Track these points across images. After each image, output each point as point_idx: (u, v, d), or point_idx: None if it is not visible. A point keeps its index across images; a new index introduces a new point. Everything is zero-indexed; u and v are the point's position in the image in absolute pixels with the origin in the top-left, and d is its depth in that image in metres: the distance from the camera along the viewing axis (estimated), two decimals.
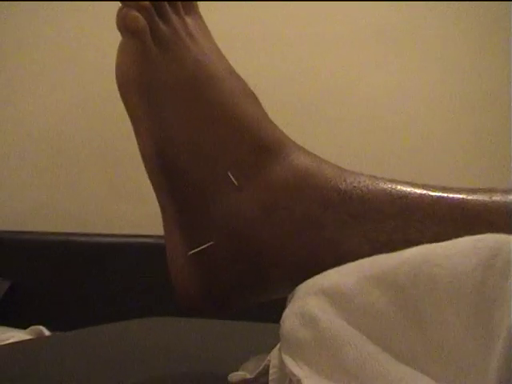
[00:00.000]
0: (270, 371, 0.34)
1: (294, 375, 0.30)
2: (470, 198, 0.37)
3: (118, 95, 0.41)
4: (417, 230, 0.36)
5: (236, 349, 0.46)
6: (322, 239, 0.37)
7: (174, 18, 0.40)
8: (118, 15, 0.39)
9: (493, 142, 1.30)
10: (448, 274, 0.29)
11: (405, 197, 0.37)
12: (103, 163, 1.41)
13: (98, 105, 1.39)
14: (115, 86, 0.41)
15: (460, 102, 1.34)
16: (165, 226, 0.41)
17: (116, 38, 0.41)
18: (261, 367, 0.35)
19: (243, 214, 0.39)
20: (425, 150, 1.34)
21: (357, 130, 1.35)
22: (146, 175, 0.42)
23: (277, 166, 0.39)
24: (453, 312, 0.28)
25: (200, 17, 0.43)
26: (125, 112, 0.42)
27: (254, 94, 0.42)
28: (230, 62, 0.43)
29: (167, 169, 0.40)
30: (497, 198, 0.36)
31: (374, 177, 0.39)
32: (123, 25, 0.39)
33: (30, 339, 0.75)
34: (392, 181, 0.38)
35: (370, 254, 0.33)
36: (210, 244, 0.39)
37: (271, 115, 0.42)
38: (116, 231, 1.35)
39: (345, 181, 0.38)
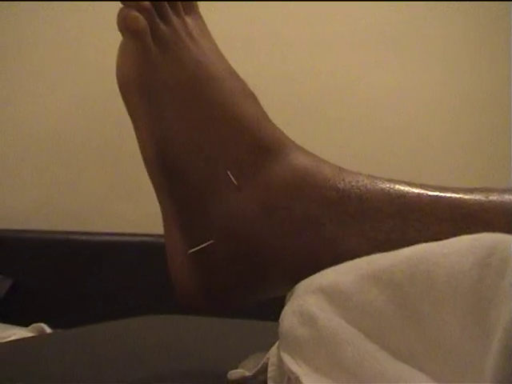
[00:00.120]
0: (269, 369, 0.34)
1: (293, 373, 0.31)
2: (467, 197, 0.37)
3: (119, 95, 0.42)
4: (415, 230, 0.37)
5: (235, 347, 0.46)
6: (321, 238, 0.38)
7: (174, 18, 0.41)
8: (118, 16, 0.40)
9: (492, 142, 1.30)
10: (445, 273, 0.29)
11: (403, 196, 0.37)
12: (104, 162, 1.41)
13: (99, 104, 1.39)
14: (116, 86, 0.41)
15: (460, 102, 1.34)
16: (165, 226, 0.42)
17: (116, 38, 0.41)
18: (259, 365, 0.35)
19: (243, 214, 0.39)
20: (424, 150, 1.34)
21: (356, 130, 1.35)
22: (146, 174, 0.42)
23: (276, 165, 0.40)
24: (450, 311, 0.28)
25: (200, 17, 0.43)
26: (125, 111, 0.42)
27: (253, 94, 0.42)
28: (230, 62, 0.43)
29: (167, 169, 0.40)
30: (493, 197, 0.36)
31: (373, 176, 0.39)
32: (124, 25, 0.39)
33: (32, 336, 0.75)
34: (390, 180, 0.39)
35: (368, 253, 0.34)
36: (209, 243, 0.39)
37: (271, 115, 0.42)
38: (116, 230, 1.35)
39: (343, 180, 0.39)
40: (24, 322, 1.08)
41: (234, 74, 0.42)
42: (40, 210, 1.42)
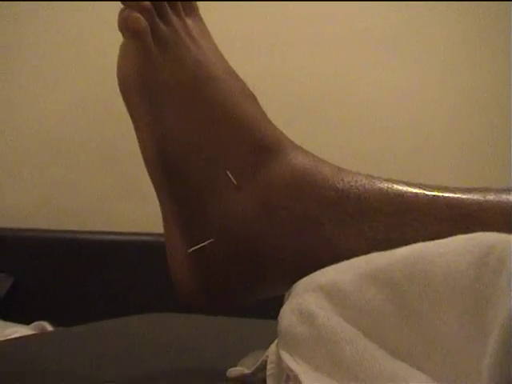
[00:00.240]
0: (268, 367, 0.34)
1: (292, 371, 0.31)
2: (465, 197, 0.37)
3: (119, 95, 0.42)
4: (413, 229, 0.37)
5: (234, 345, 0.46)
6: (320, 238, 0.38)
7: (174, 19, 0.41)
8: (119, 16, 0.40)
9: (492, 142, 1.31)
10: (442, 272, 0.29)
11: (401, 196, 0.38)
12: (104, 162, 1.41)
13: (99, 104, 1.39)
14: (116, 86, 0.41)
15: (459, 102, 1.34)
16: (165, 225, 0.42)
17: (116, 38, 0.41)
18: (258, 363, 0.36)
19: (242, 214, 0.39)
20: (424, 150, 1.34)
21: (356, 130, 1.35)
22: (146, 174, 0.42)
23: (276, 165, 0.40)
24: (447, 309, 0.29)
25: (200, 18, 0.43)
26: (126, 111, 0.42)
27: (253, 94, 0.42)
28: (230, 63, 0.43)
29: (167, 169, 0.40)
30: (491, 197, 0.37)
31: (371, 176, 0.39)
32: (125, 26, 0.40)
33: (34, 334, 0.75)
34: (388, 180, 0.39)
35: (367, 253, 0.34)
36: (209, 241, 0.39)
37: (271, 115, 0.42)
38: (117, 229, 1.36)
39: (342, 180, 0.39)
40: (25, 321, 1.08)
41: (233, 74, 0.42)
42: (41, 208, 1.42)
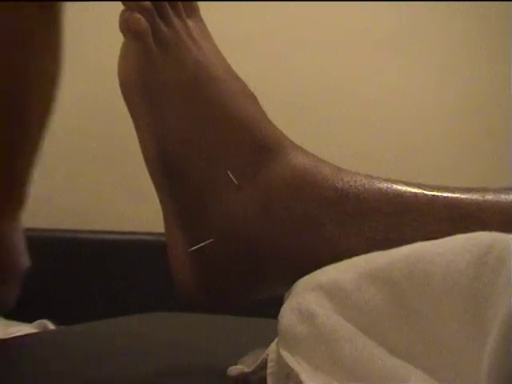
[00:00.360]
0: (268, 365, 0.34)
1: (292, 369, 0.31)
2: (464, 197, 0.37)
3: (120, 95, 0.42)
4: (412, 229, 0.37)
5: (235, 343, 0.46)
6: (320, 238, 0.38)
7: (175, 20, 0.41)
8: (120, 17, 0.40)
9: (492, 143, 1.31)
10: (441, 272, 0.29)
11: (400, 196, 0.38)
12: (105, 161, 1.41)
13: (100, 104, 1.39)
14: (117, 86, 0.42)
15: (459, 102, 1.34)
16: (166, 225, 0.42)
17: (117, 38, 0.42)
18: (259, 361, 0.36)
19: (243, 214, 0.39)
20: (423, 150, 1.34)
21: (356, 131, 1.35)
22: (147, 174, 0.42)
23: (276, 165, 0.40)
24: (446, 309, 0.29)
25: (201, 19, 0.43)
26: (127, 111, 0.42)
27: (253, 94, 0.43)
28: (230, 63, 0.43)
29: (168, 169, 0.41)
30: (489, 197, 0.37)
31: (370, 176, 0.39)
32: (126, 26, 0.40)
33: (36, 332, 0.75)
34: (388, 180, 0.39)
35: (367, 252, 0.34)
36: (209, 241, 0.40)
37: (271, 115, 0.43)
38: (117, 229, 1.36)
39: (342, 180, 0.39)
40: (26, 319, 1.08)
41: (233, 74, 0.42)
42: (42, 207, 1.42)
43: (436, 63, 1.35)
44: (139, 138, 0.42)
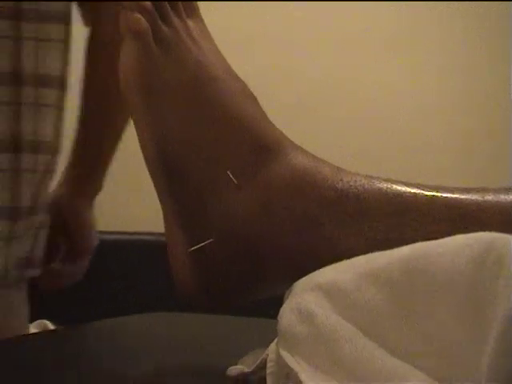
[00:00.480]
0: (268, 365, 0.34)
1: (291, 369, 0.31)
2: (463, 197, 0.37)
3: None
4: (412, 229, 0.37)
5: (235, 343, 0.46)
6: (320, 238, 0.38)
7: (175, 20, 0.41)
8: (120, 17, 0.40)
9: (491, 142, 1.31)
10: (440, 272, 0.29)
11: (400, 196, 0.38)
12: None
13: None
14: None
15: (459, 102, 1.35)
16: (166, 225, 0.42)
17: None
18: (258, 361, 0.36)
19: (243, 214, 0.39)
20: (423, 150, 1.35)
21: (356, 131, 1.35)
22: (147, 173, 0.42)
23: (276, 165, 0.40)
24: (446, 309, 0.29)
25: (201, 19, 0.43)
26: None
27: (253, 94, 0.43)
28: (230, 63, 0.43)
29: (168, 168, 0.41)
30: (489, 197, 0.37)
31: (370, 176, 0.39)
32: (126, 26, 0.40)
33: (36, 332, 0.76)
34: (387, 180, 0.39)
35: (366, 252, 0.34)
36: (209, 241, 0.40)
37: (271, 115, 0.43)
38: (117, 229, 1.36)
39: (341, 180, 0.39)
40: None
41: (233, 74, 0.42)
42: None
43: (436, 63, 1.35)
44: (139, 137, 0.42)
